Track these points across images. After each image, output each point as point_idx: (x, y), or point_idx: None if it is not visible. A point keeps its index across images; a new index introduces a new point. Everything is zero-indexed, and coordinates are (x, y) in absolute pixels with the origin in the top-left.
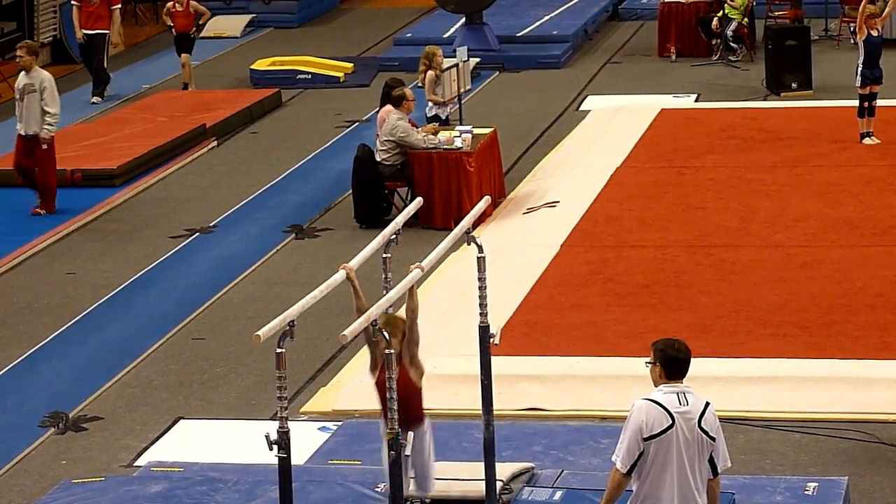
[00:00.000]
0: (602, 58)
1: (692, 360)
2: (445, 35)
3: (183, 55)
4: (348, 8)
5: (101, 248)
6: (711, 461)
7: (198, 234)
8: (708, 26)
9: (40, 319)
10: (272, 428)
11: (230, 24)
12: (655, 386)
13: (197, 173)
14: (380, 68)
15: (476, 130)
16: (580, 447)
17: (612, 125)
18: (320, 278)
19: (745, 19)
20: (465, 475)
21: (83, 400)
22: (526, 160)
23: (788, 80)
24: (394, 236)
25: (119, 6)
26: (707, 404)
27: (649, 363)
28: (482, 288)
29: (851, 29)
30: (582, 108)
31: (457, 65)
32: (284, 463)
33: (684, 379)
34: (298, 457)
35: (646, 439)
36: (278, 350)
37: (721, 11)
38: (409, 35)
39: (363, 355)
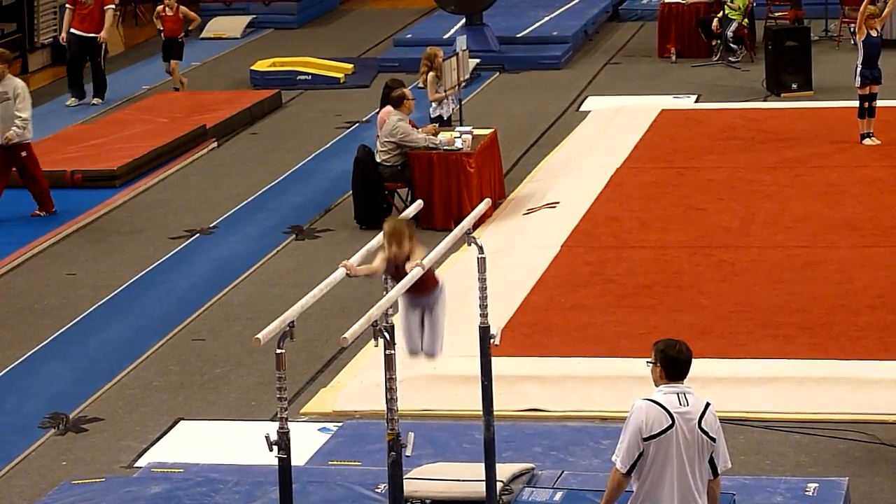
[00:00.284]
0: (602, 59)
1: (692, 360)
2: (445, 36)
3: (172, 61)
4: (348, 9)
5: (101, 250)
6: (712, 462)
7: (198, 235)
8: (708, 27)
9: (40, 320)
10: (272, 429)
11: (230, 25)
12: (656, 386)
13: (197, 174)
14: (380, 69)
15: (476, 131)
16: (580, 448)
17: (613, 126)
18: (320, 279)
19: (745, 20)
20: (465, 476)
21: (83, 401)
22: (526, 161)
23: (788, 81)
24: None
25: (112, 6)
26: (707, 405)
27: (650, 363)
28: (482, 289)
29: (851, 29)
30: (582, 108)
31: (456, 54)
32: (284, 464)
33: (685, 380)
34: (298, 458)
35: (646, 439)
36: (278, 351)
37: (721, 12)
38: (409, 36)
39: (363, 356)
